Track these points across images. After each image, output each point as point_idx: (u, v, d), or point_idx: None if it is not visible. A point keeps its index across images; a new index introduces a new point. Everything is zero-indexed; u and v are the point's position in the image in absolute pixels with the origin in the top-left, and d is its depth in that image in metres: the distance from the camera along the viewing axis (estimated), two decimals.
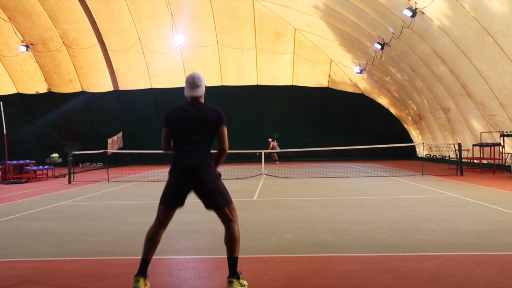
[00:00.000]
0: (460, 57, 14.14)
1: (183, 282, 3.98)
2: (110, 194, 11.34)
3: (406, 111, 23.95)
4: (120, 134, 26.15)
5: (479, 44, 12.81)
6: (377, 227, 6.16)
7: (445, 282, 3.79)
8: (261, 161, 16.70)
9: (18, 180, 15.39)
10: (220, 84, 25.41)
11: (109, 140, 24.90)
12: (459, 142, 16.28)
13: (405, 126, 25.50)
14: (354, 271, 4.15)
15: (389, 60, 19.27)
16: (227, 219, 3.77)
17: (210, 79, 24.32)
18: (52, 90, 26.54)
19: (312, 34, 22.60)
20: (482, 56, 13.12)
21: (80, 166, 24.86)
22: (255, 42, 23.66)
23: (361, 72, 22.59)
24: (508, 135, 14.26)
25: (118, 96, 26.16)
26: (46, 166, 17.86)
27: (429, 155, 22.86)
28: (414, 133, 24.88)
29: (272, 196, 10.21)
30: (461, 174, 14.48)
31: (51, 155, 25.40)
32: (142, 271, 3.66)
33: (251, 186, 12.26)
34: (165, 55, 24.07)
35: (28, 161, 17.25)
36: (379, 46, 17.71)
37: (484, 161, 16.34)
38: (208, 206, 3.79)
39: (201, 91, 3.89)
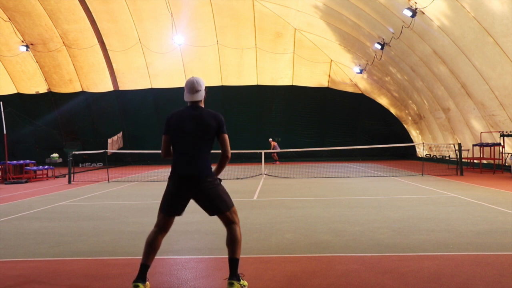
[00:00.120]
0: (460, 57, 14.14)
1: (183, 282, 3.98)
2: (110, 194, 11.34)
3: (406, 111, 23.95)
4: (120, 134, 26.15)
5: (479, 44, 12.81)
6: (377, 227, 6.16)
7: (445, 282, 3.79)
8: (261, 161, 16.70)
9: (18, 180, 15.39)
10: (220, 84, 25.43)
11: (109, 140, 24.91)
12: (459, 142, 16.28)
13: (405, 126, 25.50)
14: (354, 271, 4.15)
15: (389, 60, 19.27)
16: (229, 222, 3.77)
17: (210, 79, 24.33)
18: (52, 90, 26.55)
19: (312, 34, 22.60)
20: (482, 56, 13.12)
21: (80, 166, 24.87)
22: (255, 42, 23.66)
23: (361, 72, 22.59)
24: (508, 135, 14.27)
25: (118, 96, 26.17)
26: (46, 166, 17.86)
27: (429, 155, 22.86)
28: (414, 133, 24.88)
29: (272, 196, 10.21)
30: (461, 174, 14.48)
31: (51, 155, 25.41)
32: (142, 276, 3.62)
33: (251, 186, 12.26)
34: (165, 55, 24.08)
35: (28, 161, 17.26)
36: (379, 46, 17.72)
37: (484, 161, 16.34)
38: (210, 212, 3.78)
39: (201, 96, 3.86)
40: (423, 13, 13.48)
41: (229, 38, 23.50)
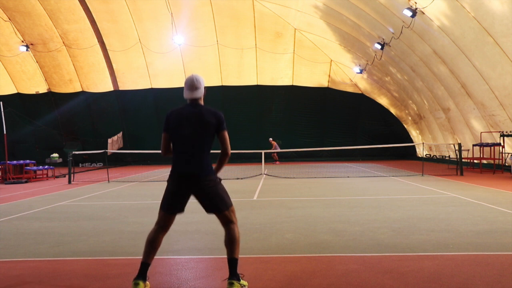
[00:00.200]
0: (460, 57, 14.14)
1: (183, 282, 3.98)
2: (110, 194, 11.34)
3: (406, 111, 23.95)
4: (120, 134, 26.15)
5: (479, 44, 12.81)
6: (377, 227, 6.16)
7: (445, 282, 3.79)
8: (261, 161, 16.70)
9: (18, 180, 15.39)
10: (220, 84, 25.42)
11: (109, 140, 24.91)
12: (459, 142, 16.28)
13: (405, 126, 25.50)
14: (354, 271, 4.15)
15: (389, 60, 19.27)
16: (227, 221, 3.78)
17: (210, 79, 24.32)
18: (52, 90, 26.55)
19: (312, 34, 22.60)
20: (482, 56, 13.12)
21: (80, 166, 24.86)
22: (255, 42, 23.66)
23: (361, 72, 22.59)
24: (508, 135, 14.27)
25: (118, 96, 26.17)
26: (46, 166, 17.86)
27: (429, 155, 22.86)
28: (414, 133, 24.88)
29: (272, 196, 10.21)
30: (461, 174, 14.48)
31: (51, 155, 25.41)
32: (142, 274, 3.63)
33: (251, 186, 12.26)
34: (165, 55, 24.08)
35: (28, 161, 17.26)
36: (379, 46, 17.71)
37: (484, 161, 16.34)
38: (208, 210, 3.79)
39: (200, 93, 3.87)
40: (423, 13, 13.48)
41: (229, 38, 23.50)
